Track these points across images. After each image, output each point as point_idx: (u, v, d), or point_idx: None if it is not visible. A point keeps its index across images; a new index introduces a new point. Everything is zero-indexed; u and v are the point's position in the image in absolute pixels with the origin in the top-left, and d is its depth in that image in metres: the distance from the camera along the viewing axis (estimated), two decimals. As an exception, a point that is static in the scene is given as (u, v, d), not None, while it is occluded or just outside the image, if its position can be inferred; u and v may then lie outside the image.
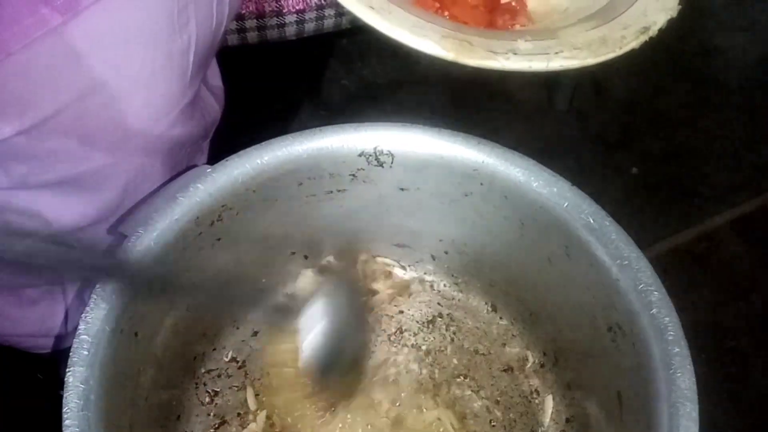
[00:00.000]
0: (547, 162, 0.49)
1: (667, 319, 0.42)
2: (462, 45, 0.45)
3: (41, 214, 0.49)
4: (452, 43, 0.45)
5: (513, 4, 0.55)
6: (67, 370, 0.40)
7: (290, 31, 0.69)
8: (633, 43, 0.49)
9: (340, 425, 0.52)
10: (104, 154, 0.47)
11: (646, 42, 0.50)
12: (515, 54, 0.46)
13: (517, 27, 0.54)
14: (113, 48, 0.43)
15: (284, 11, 0.66)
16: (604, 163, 0.90)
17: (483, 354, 0.56)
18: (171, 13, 0.44)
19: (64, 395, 0.39)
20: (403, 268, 0.59)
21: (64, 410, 0.39)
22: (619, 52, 0.48)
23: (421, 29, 0.46)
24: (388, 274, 0.59)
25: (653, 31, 0.50)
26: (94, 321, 0.42)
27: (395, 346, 0.56)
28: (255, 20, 0.66)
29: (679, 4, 0.52)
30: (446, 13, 0.51)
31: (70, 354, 0.41)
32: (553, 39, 0.48)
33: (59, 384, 0.40)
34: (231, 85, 0.63)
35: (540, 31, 0.52)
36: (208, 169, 0.48)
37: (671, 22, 0.52)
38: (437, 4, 0.51)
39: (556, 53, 0.46)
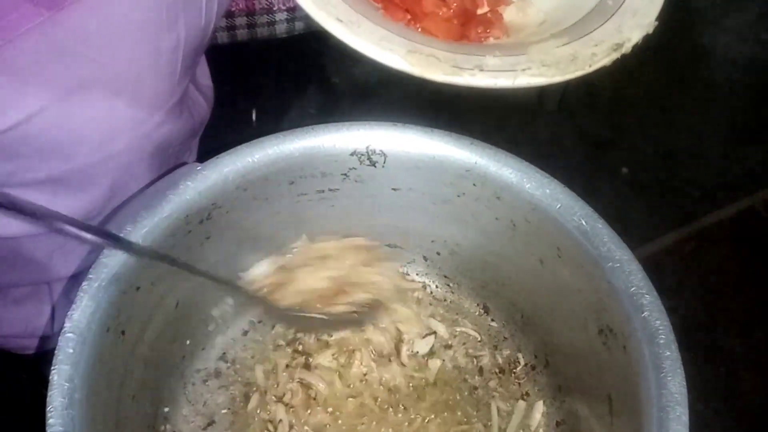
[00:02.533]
0: (537, 162, 0.49)
1: (658, 322, 0.42)
2: (428, 60, 0.45)
3: (27, 212, 0.48)
4: (418, 58, 0.45)
5: (488, 15, 0.53)
6: (52, 368, 0.39)
7: (281, 28, 0.68)
8: (604, 60, 0.47)
9: (328, 425, 0.52)
10: (91, 153, 0.46)
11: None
12: (481, 70, 0.45)
13: (491, 40, 0.52)
14: (100, 45, 0.42)
15: (275, 9, 0.66)
16: (595, 163, 0.90)
17: (474, 356, 0.56)
18: (159, 10, 0.44)
19: (48, 393, 0.38)
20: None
21: (48, 409, 0.38)
22: (588, 69, 0.47)
23: (388, 43, 0.45)
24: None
25: (627, 48, 0.48)
26: (80, 319, 0.41)
27: (386, 347, 0.56)
28: (245, 17, 0.65)
29: (656, 20, 0.50)
30: (418, 26, 0.50)
31: (55, 352, 0.40)
32: (522, 54, 0.47)
33: (44, 384, 0.39)
34: (221, 83, 0.63)
35: (510, 46, 0.50)
36: (198, 166, 0.47)
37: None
38: (408, 16, 0.50)
39: (524, 70, 0.45)
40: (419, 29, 0.50)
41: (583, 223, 0.46)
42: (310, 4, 0.46)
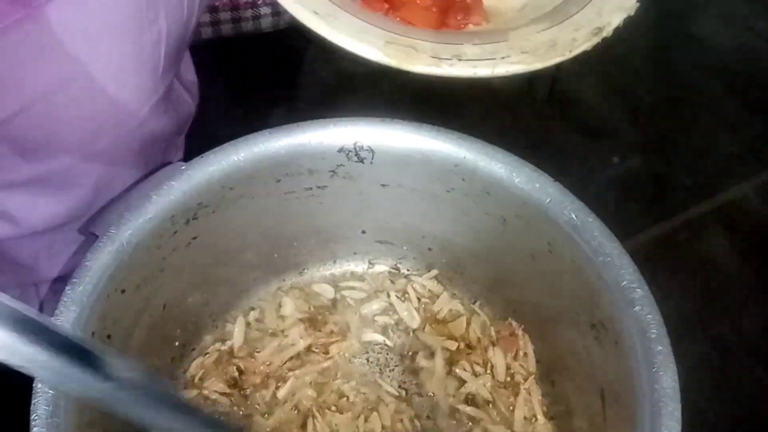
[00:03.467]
0: (528, 152, 0.48)
1: (650, 316, 0.41)
2: (406, 51, 0.44)
3: (10, 213, 0.47)
4: (395, 49, 0.44)
5: (467, 1, 0.52)
6: None
7: (266, 23, 0.67)
8: (584, 46, 0.46)
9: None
10: (74, 152, 0.45)
11: (624, 31, 0.48)
12: (460, 60, 0.44)
13: (471, 27, 0.51)
14: (80, 42, 0.41)
15: (259, 3, 0.65)
16: (585, 153, 0.90)
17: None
18: (139, 5, 0.43)
19: (32, 402, 0.38)
20: (386, 265, 0.58)
21: (32, 417, 0.37)
22: (568, 55, 0.46)
23: (366, 34, 0.44)
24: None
25: (607, 32, 0.47)
26: (64, 324, 0.40)
27: (377, 344, 0.56)
28: (229, 12, 0.65)
29: (637, 1, 0.49)
30: (397, 16, 0.49)
31: (40, 359, 0.39)
32: (502, 42, 0.46)
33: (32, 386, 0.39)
34: (206, 80, 0.62)
35: (490, 33, 0.49)
36: (183, 166, 0.47)
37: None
38: (387, 6, 0.49)
39: (503, 58, 0.44)
40: (398, 19, 0.49)
41: (574, 217, 0.46)
42: None
